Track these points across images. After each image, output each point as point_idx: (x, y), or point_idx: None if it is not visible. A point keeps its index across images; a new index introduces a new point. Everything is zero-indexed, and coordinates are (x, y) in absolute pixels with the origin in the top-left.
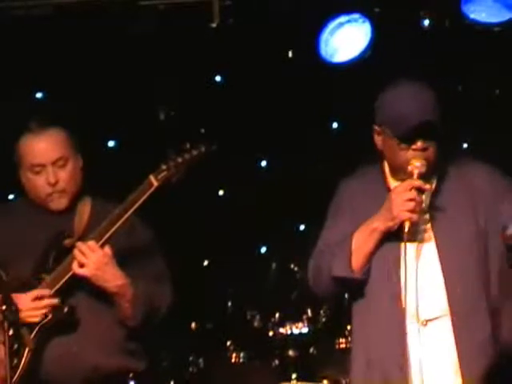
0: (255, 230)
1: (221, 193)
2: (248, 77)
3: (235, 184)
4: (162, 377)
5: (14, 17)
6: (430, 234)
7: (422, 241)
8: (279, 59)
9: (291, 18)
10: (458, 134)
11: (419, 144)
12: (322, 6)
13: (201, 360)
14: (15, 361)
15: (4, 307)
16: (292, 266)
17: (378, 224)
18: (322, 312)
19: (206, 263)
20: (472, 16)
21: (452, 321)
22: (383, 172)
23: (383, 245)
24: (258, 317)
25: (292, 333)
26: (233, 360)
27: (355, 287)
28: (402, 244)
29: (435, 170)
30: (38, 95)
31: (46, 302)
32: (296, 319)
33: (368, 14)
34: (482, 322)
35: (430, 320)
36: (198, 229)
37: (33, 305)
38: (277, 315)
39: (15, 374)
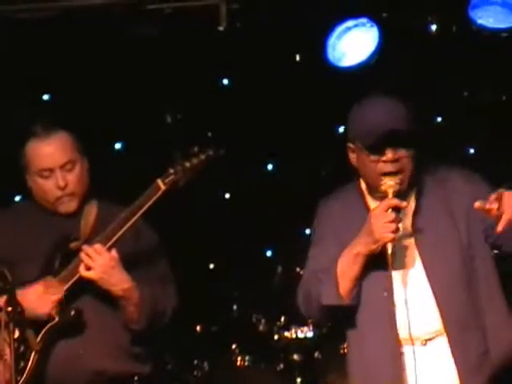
0: (261, 234)
1: (227, 196)
2: (255, 80)
3: (241, 187)
4: (167, 380)
5: (20, 20)
6: (416, 257)
7: (409, 264)
8: (286, 63)
9: (298, 22)
10: (464, 138)
11: (389, 155)
12: (329, 10)
13: (205, 363)
14: (21, 363)
15: (10, 309)
16: (298, 269)
17: (360, 248)
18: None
19: (211, 266)
20: (479, 21)
21: (448, 339)
22: (361, 191)
23: (372, 270)
24: (263, 320)
25: (297, 337)
26: (238, 363)
27: (347, 313)
28: (390, 269)
29: (412, 184)
30: (45, 97)
31: (54, 296)
32: (301, 323)
33: (375, 19)
34: (476, 338)
35: (429, 340)
36: (204, 232)
37: (41, 297)
38: (282, 319)
39: (22, 376)
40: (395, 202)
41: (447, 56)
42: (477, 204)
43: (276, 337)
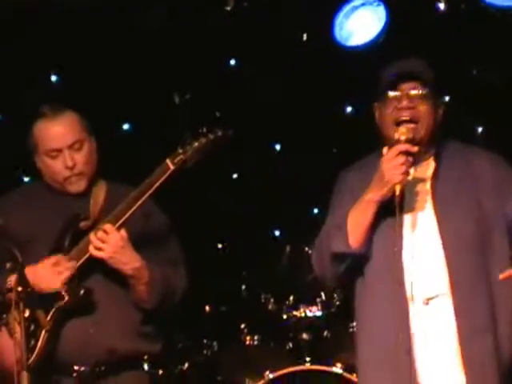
0: (269, 214)
1: (234, 176)
2: (262, 60)
3: (249, 168)
4: (177, 359)
5: (29, 5)
6: (433, 217)
7: (420, 210)
8: (294, 43)
9: (306, 1)
10: (472, 117)
11: (404, 103)
12: None
13: (215, 343)
14: (32, 342)
15: (20, 288)
16: (306, 249)
17: (372, 195)
18: (335, 295)
19: (219, 246)
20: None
21: (453, 302)
22: (382, 156)
23: (383, 225)
24: (271, 300)
25: (306, 316)
26: (247, 343)
27: (357, 266)
28: (398, 216)
29: (433, 149)
30: (53, 78)
31: (65, 273)
32: (310, 302)
33: None
34: (483, 304)
35: (431, 298)
36: (212, 212)
37: (51, 272)
38: (291, 298)
39: (32, 355)
40: (406, 146)
41: (456, 34)
42: (501, 276)
43: (285, 316)
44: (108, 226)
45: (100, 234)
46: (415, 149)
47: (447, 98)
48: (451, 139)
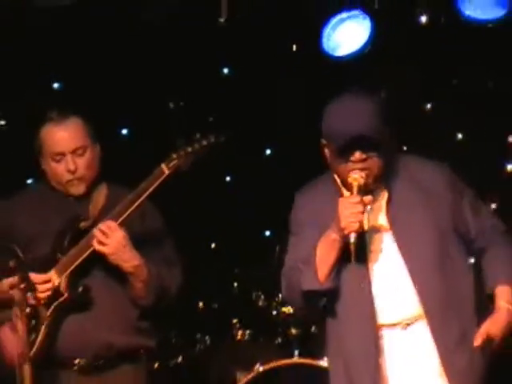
0: (260, 215)
1: (228, 179)
2: (254, 69)
3: (241, 171)
4: (171, 353)
5: (30, 9)
6: (393, 246)
7: (386, 253)
8: (284, 53)
9: (295, 14)
10: (452, 124)
11: (357, 155)
12: (324, 2)
13: (207, 338)
14: (33, 336)
15: (22, 285)
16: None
17: (335, 235)
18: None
19: (213, 246)
20: (467, 13)
21: (428, 323)
22: (335, 181)
23: (349, 266)
24: (262, 297)
25: (294, 312)
26: (238, 338)
27: (327, 301)
28: (354, 262)
29: (383, 178)
30: (55, 85)
31: (49, 284)
32: None
33: (368, 11)
34: (455, 320)
35: (409, 324)
36: (206, 214)
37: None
38: (280, 295)
39: (33, 348)
40: (356, 199)
41: (436, 46)
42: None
43: (274, 312)
44: (112, 223)
45: (104, 228)
46: (368, 199)
47: (429, 106)
48: (399, 156)
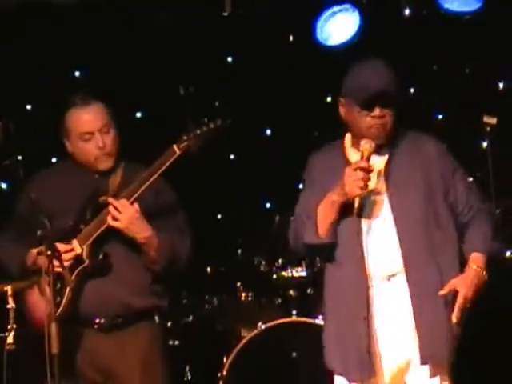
0: (261, 189)
1: (232, 157)
2: (255, 58)
3: (244, 149)
4: (182, 313)
5: (54, 6)
6: (387, 204)
7: (381, 209)
8: (281, 43)
9: (292, 8)
10: (433, 106)
11: (377, 111)
12: None
13: (215, 299)
14: (58, 299)
15: (49, 252)
16: (292, 219)
17: (336, 197)
18: (317, 258)
19: (219, 217)
20: (446, 6)
21: (406, 275)
22: (344, 146)
23: (347, 218)
24: (263, 262)
25: (293, 275)
26: (242, 299)
27: (326, 251)
28: (358, 216)
29: (389, 140)
30: (77, 74)
31: (71, 254)
32: (296, 264)
33: (357, 5)
34: (431, 276)
35: (392, 276)
36: (213, 188)
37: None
38: (280, 261)
39: (58, 309)
40: (365, 164)
41: (419, 35)
42: (441, 293)
43: (274, 276)
44: (124, 201)
45: (117, 205)
46: (372, 167)
47: (412, 90)
48: (404, 129)
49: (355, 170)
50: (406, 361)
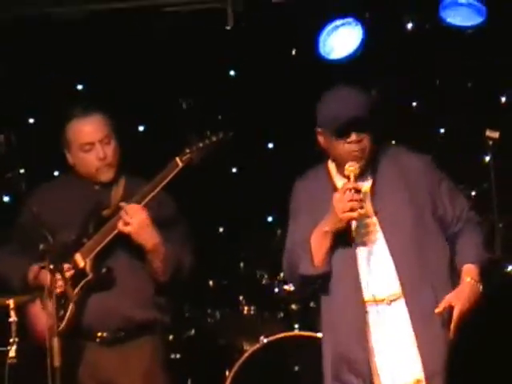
0: (263, 202)
1: (234, 170)
2: (257, 71)
3: (246, 163)
4: (185, 326)
5: (55, 20)
6: (378, 230)
7: (372, 237)
8: (284, 56)
9: (294, 22)
10: (435, 119)
11: (353, 137)
12: (320, 11)
13: (217, 312)
14: (61, 312)
15: (52, 267)
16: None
17: (329, 227)
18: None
19: (221, 230)
20: (448, 20)
21: (404, 299)
22: (329, 172)
23: (341, 244)
24: (265, 276)
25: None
26: (244, 312)
27: (322, 280)
28: (354, 241)
29: (370, 166)
30: (79, 87)
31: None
32: None
33: (360, 18)
34: (428, 296)
35: (393, 300)
36: (216, 201)
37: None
38: (282, 274)
39: (61, 323)
40: (353, 185)
41: (421, 49)
42: (437, 311)
43: (277, 289)
44: (136, 206)
45: (129, 209)
46: (362, 185)
47: (414, 104)
48: (387, 148)
49: (344, 192)
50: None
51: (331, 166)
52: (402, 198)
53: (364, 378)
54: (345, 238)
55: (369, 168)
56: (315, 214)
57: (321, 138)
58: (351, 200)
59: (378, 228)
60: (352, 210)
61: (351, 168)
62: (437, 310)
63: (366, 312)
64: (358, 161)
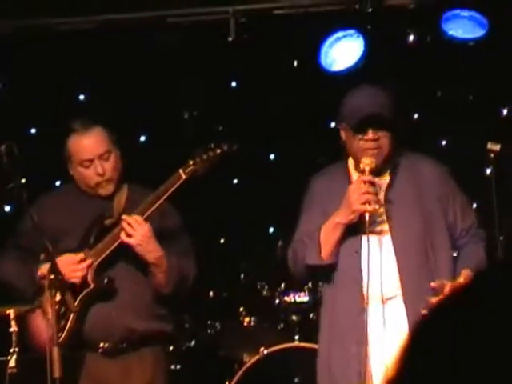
0: (264, 213)
1: (235, 181)
2: (260, 83)
3: (248, 174)
4: (185, 337)
5: (57, 31)
6: (386, 225)
7: (380, 231)
8: (286, 68)
9: (296, 34)
10: (437, 131)
11: (370, 134)
12: (322, 23)
13: (217, 323)
14: (62, 322)
15: (52, 276)
16: (292, 242)
17: (340, 219)
18: (320, 283)
19: (222, 241)
20: (450, 32)
21: (403, 299)
22: (347, 168)
23: (348, 236)
24: (266, 287)
25: (295, 301)
26: (245, 323)
27: (326, 272)
28: (364, 234)
29: (389, 163)
30: (81, 97)
31: (85, 263)
32: (298, 289)
33: (361, 30)
34: (427, 298)
35: (389, 298)
36: (217, 212)
37: (75, 265)
38: (282, 286)
39: (62, 333)
40: (368, 177)
41: (423, 62)
42: (433, 284)
43: (277, 301)
44: (138, 217)
45: (132, 221)
46: (377, 180)
47: (415, 116)
48: (405, 150)
49: (359, 184)
50: None
51: (350, 162)
52: (412, 203)
53: (359, 373)
54: (353, 232)
55: (387, 167)
56: (328, 208)
57: (343, 134)
58: (366, 192)
59: (386, 227)
60: (366, 202)
61: (367, 161)
62: (433, 284)
63: (365, 307)
64: (374, 158)
